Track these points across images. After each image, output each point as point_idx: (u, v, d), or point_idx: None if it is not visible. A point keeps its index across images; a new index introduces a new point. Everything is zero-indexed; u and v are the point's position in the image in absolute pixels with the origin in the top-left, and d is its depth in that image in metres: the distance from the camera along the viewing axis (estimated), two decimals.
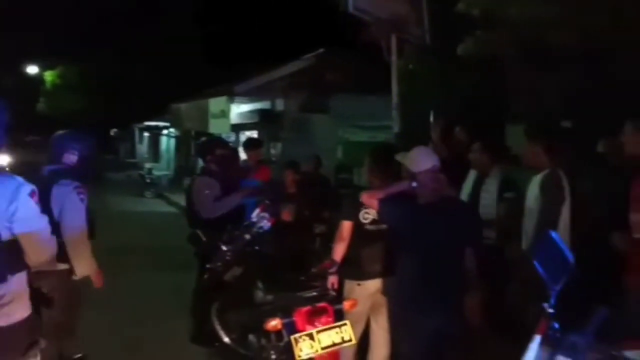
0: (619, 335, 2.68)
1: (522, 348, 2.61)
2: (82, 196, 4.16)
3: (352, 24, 9.28)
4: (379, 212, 4.07)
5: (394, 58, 8.31)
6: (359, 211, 4.37)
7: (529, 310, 3.55)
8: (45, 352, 3.23)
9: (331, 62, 14.43)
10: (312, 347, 3.84)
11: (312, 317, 4.00)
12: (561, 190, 4.35)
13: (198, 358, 5.51)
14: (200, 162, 6.95)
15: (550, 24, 5.68)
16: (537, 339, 2.54)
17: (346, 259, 4.42)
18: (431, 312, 3.74)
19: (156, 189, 21.70)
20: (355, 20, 8.73)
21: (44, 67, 32.57)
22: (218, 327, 5.30)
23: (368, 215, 4.35)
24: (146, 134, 35.30)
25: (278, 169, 6.95)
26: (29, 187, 2.96)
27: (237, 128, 17.05)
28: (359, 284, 4.43)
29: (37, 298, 3.18)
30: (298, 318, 3.98)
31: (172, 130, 26.92)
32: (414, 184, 3.90)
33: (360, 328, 4.48)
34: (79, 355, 4.62)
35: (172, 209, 17.52)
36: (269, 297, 4.49)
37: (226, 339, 5.23)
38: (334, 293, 4.43)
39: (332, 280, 4.49)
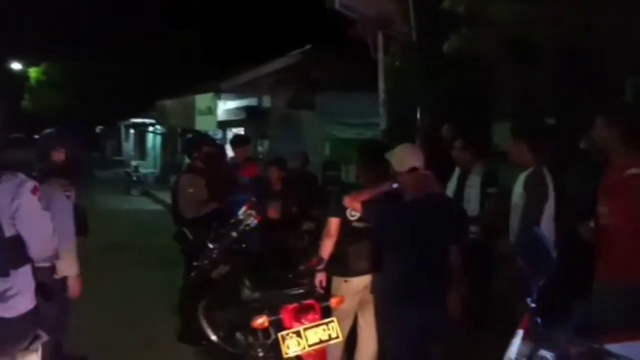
0: (601, 329, 2.73)
1: (506, 343, 2.65)
2: (68, 194, 4.19)
3: (338, 21, 9.30)
4: (363, 215, 4.08)
5: (380, 55, 8.35)
6: (346, 208, 4.38)
7: (515, 305, 3.58)
8: (45, 346, 3.26)
9: (318, 59, 14.40)
10: (299, 344, 3.85)
11: (299, 314, 4.02)
12: (545, 188, 4.40)
13: (185, 356, 5.51)
14: (187, 160, 6.94)
15: (533, 21, 5.72)
16: (519, 333, 2.58)
17: (333, 256, 4.43)
18: (417, 307, 3.77)
19: (142, 186, 21.60)
20: (342, 17, 8.76)
21: (28, 64, 32.27)
22: (205, 325, 5.29)
23: (355, 212, 4.37)
24: (132, 131, 35.10)
25: (265, 166, 6.94)
26: (31, 184, 3.03)
27: (224, 125, 17.00)
28: (346, 281, 4.45)
29: (39, 291, 3.22)
30: (285, 315, 4.00)
31: (158, 127, 26.78)
32: (395, 185, 3.92)
33: (348, 325, 4.50)
34: (81, 355, 4.66)
35: (158, 207, 17.46)
36: (256, 295, 4.49)
37: (213, 337, 5.23)
38: (321, 290, 4.45)
39: (320, 277, 4.51)
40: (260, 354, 4.15)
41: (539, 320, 2.55)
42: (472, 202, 5.21)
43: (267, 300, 4.23)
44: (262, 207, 5.70)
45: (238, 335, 4.58)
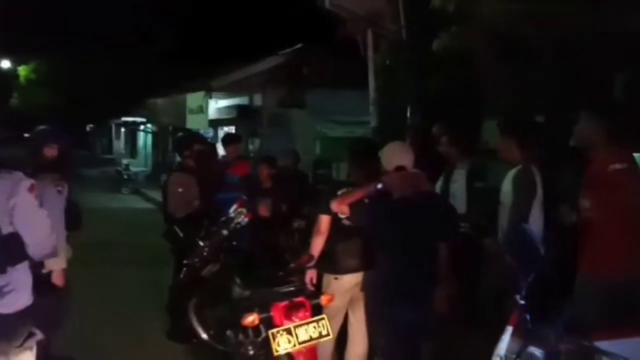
0: (586, 323, 2.75)
1: (496, 339, 2.66)
2: (59, 188, 4.24)
3: (329, 20, 9.30)
4: (351, 217, 4.06)
5: (370, 53, 8.37)
6: None
7: (504, 302, 3.60)
8: (40, 344, 3.28)
9: (309, 58, 14.40)
10: (289, 341, 3.85)
11: (290, 312, 4.01)
12: (533, 185, 4.42)
13: (175, 354, 5.50)
14: (178, 158, 6.93)
15: (522, 19, 5.75)
16: (509, 330, 2.59)
17: (324, 253, 4.43)
18: (406, 305, 3.78)
19: (133, 185, 21.53)
20: (332, 15, 8.76)
21: (17, 62, 32.08)
22: (195, 324, 5.27)
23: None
24: (123, 130, 34.98)
25: (255, 164, 6.93)
26: (28, 182, 3.06)
27: (215, 123, 16.98)
28: (336, 278, 4.45)
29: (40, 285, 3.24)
30: (275, 313, 3.99)
31: (149, 125, 26.72)
32: (379, 185, 3.92)
33: (338, 322, 4.51)
34: (69, 354, 4.66)
35: (149, 205, 17.41)
36: (247, 293, 4.49)
37: (204, 335, 5.21)
38: (312, 288, 4.45)
39: (311, 274, 4.51)
40: (251, 352, 4.15)
41: (528, 317, 2.56)
42: (457, 198, 5.22)
43: (258, 298, 4.22)
44: (252, 205, 5.69)
45: (228, 333, 4.56)
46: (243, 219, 5.27)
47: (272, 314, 4.00)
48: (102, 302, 6.71)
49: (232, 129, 15.69)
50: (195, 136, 7.69)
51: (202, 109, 14.96)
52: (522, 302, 2.56)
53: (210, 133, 17.04)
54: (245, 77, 14.92)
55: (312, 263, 4.43)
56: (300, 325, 3.93)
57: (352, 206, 3.97)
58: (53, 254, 3.35)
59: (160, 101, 18.22)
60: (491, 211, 4.67)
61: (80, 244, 4.69)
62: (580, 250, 3.74)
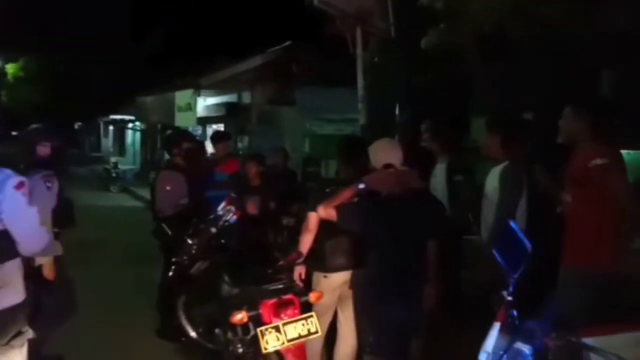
0: (577, 322, 2.77)
1: (484, 335, 2.67)
2: (49, 184, 4.30)
3: (318, 17, 9.29)
4: (339, 220, 4.03)
5: (359, 51, 8.37)
6: None
7: (491, 299, 3.63)
8: (32, 342, 3.28)
9: (297, 55, 14.39)
10: (278, 339, 3.84)
11: (279, 309, 3.99)
12: (519, 182, 4.45)
13: (164, 353, 5.48)
14: (167, 156, 6.90)
15: (509, 16, 5.78)
16: (496, 326, 2.60)
17: (313, 251, 4.42)
18: (395, 302, 3.78)
19: (122, 183, 21.43)
20: (320, 13, 8.76)
21: (5, 60, 31.81)
22: (184, 322, 5.27)
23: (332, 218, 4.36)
24: (111, 128, 34.81)
25: (244, 162, 6.92)
26: (15, 180, 3.06)
27: (204, 121, 16.93)
28: (325, 277, 4.44)
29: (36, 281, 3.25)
30: (264, 310, 3.97)
31: (137, 123, 26.60)
32: (361, 186, 3.92)
33: (327, 320, 4.51)
34: (58, 353, 4.64)
35: (138, 203, 17.34)
36: (235, 291, 4.48)
37: (193, 333, 5.21)
38: (300, 284, 4.45)
39: (300, 270, 4.50)
40: (240, 350, 4.13)
41: (515, 313, 2.57)
42: (438, 191, 5.25)
43: (246, 296, 4.21)
44: (241, 203, 5.67)
45: (217, 331, 4.55)
46: (231, 217, 5.26)
47: (260, 311, 3.98)
48: (91, 301, 6.64)
49: (220, 127, 15.66)
50: (184, 134, 7.66)
51: (191, 107, 14.91)
52: (510, 298, 2.58)
53: (199, 131, 17.00)
54: (234, 74, 14.89)
55: (300, 260, 4.42)
56: (289, 323, 3.91)
57: (338, 210, 3.94)
58: (45, 250, 3.33)
59: (148, 99, 18.14)
60: (471, 205, 4.71)
61: (69, 242, 4.67)
62: (563, 244, 3.78)
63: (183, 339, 5.29)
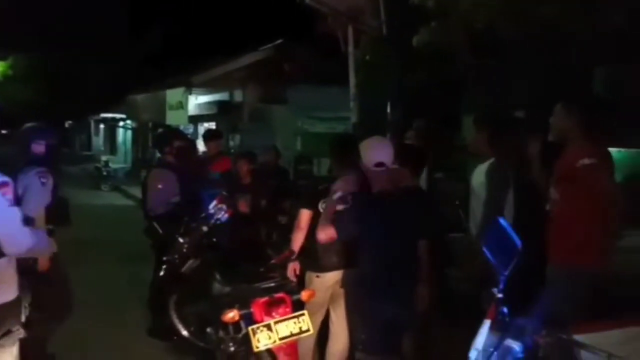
0: (566, 319, 2.78)
1: (474, 333, 2.68)
2: (43, 180, 4.34)
3: (310, 15, 9.30)
4: (340, 236, 4.00)
5: (350, 49, 8.38)
6: (318, 200, 4.37)
7: (481, 296, 3.64)
8: (32, 340, 3.27)
9: (289, 53, 14.39)
10: (269, 337, 3.84)
11: (270, 307, 4.00)
12: (506, 179, 4.47)
13: (156, 351, 5.46)
14: (158, 154, 6.88)
15: (500, 14, 5.80)
16: (486, 323, 2.61)
17: (306, 249, 4.43)
18: (387, 300, 3.79)
19: (113, 182, 21.34)
20: (313, 11, 8.76)
21: None
22: (176, 320, 5.26)
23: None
24: (102, 126, 34.68)
25: (235, 160, 6.92)
26: None
27: (195, 120, 16.89)
28: (318, 276, 4.44)
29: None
30: (256, 309, 3.97)
31: (128, 122, 26.51)
32: (337, 195, 3.91)
33: (319, 318, 4.51)
34: (48, 352, 4.65)
35: (129, 202, 17.27)
36: (227, 289, 4.48)
37: (184, 332, 5.20)
38: (294, 279, 4.44)
39: (294, 266, 4.50)
40: (232, 349, 4.14)
41: (505, 310, 2.58)
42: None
43: (238, 294, 4.21)
44: (232, 201, 5.67)
45: (209, 330, 4.55)
46: (223, 215, 5.26)
47: (252, 310, 3.98)
48: (82, 299, 6.59)
49: (212, 125, 15.64)
50: (175, 132, 7.67)
51: (182, 105, 14.86)
52: (500, 295, 2.58)
53: (190, 129, 16.95)
54: (225, 72, 14.86)
55: (293, 257, 4.43)
56: (280, 321, 3.92)
57: (335, 226, 3.92)
58: (32, 250, 3.30)
59: (139, 97, 18.08)
60: (451, 202, 4.74)
61: (61, 241, 4.66)
62: (550, 241, 3.79)
63: (175, 337, 5.29)
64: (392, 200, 3.87)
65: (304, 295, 4.20)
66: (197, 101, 16.73)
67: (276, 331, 3.87)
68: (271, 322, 3.89)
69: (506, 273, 2.58)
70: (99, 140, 36.55)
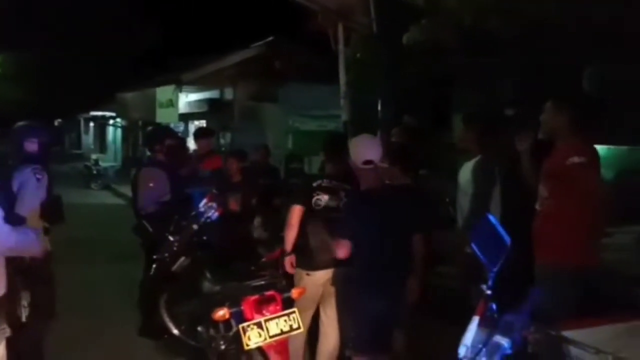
0: (556, 316, 2.79)
1: (463, 329, 2.68)
2: (38, 176, 4.40)
3: (300, 13, 9.28)
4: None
5: (341, 47, 8.37)
6: (310, 197, 4.37)
7: (471, 292, 3.66)
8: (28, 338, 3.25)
9: (280, 51, 14.37)
10: (260, 335, 3.83)
11: (260, 305, 3.99)
12: (492, 176, 4.50)
13: (146, 350, 5.45)
14: (148, 153, 6.86)
15: (490, 11, 5.81)
16: (475, 320, 2.61)
17: (297, 247, 4.43)
18: (377, 297, 3.80)
19: (103, 180, 21.27)
20: (303, 8, 8.75)
21: None
22: (167, 319, 5.24)
23: (320, 201, 4.36)
24: (92, 125, 34.50)
25: (225, 159, 6.91)
26: None
27: (185, 118, 16.83)
28: (308, 274, 4.44)
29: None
30: (246, 307, 3.97)
31: (118, 120, 26.40)
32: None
33: (309, 316, 4.51)
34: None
35: (119, 201, 17.21)
36: (217, 287, 4.47)
37: (175, 331, 5.18)
38: (292, 272, 4.44)
39: (290, 259, 4.50)
40: (222, 347, 4.14)
41: (494, 306, 2.58)
42: None
43: (228, 293, 4.21)
44: (223, 200, 5.66)
45: (200, 328, 4.55)
46: (213, 214, 5.25)
47: (242, 307, 3.98)
48: (72, 298, 6.60)
49: (203, 123, 15.59)
50: (166, 130, 7.64)
51: (172, 103, 14.77)
52: (489, 292, 2.59)
53: (180, 127, 16.90)
54: (216, 70, 14.81)
55: (288, 254, 4.44)
56: (271, 319, 3.91)
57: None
58: (15, 249, 3.28)
59: (129, 95, 17.99)
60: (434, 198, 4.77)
61: (51, 240, 4.65)
62: (537, 239, 3.81)
63: (165, 336, 5.27)
64: (380, 198, 3.88)
65: (294, 293, 4.20)
66: (187, 99, 16.66)
67: (267, 329, 3.86)
68: (262, 320, 3.89)
69: (495, 270, 2.59)
70: (88, 139, 36.35)
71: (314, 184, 4.44)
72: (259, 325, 3.86)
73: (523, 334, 2.50)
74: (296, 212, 4.41)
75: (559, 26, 5.71)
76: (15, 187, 4.33)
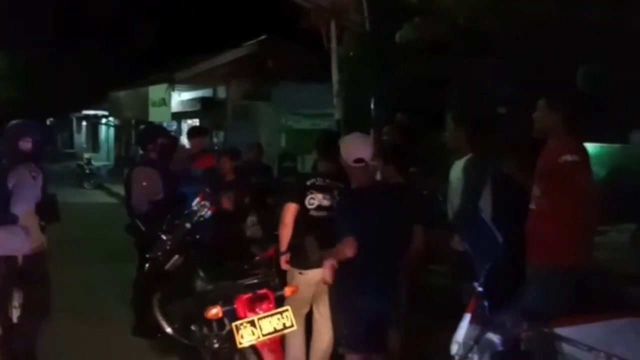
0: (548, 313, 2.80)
1: (455, 326, 2.69)
2: (34, 174, 4.45)
3: (293, 11, 9.27)
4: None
5: (333, 45, 8.36)
6: (304, 196, 4.37)
7: (462, 290, 3.66)
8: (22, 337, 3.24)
9: (273, 49, 14.33)
10: (253, 334, 3.83)
11: (253, 304, 3.99)
12: (482, 175, 4.51)
13: (140, 349, 5.44)
14: (140, 152, 6.83)
15: (485, 10, 5.82)
16: (467, 317, 2.62)
17: (290, 245, 4.43)
18: (370, 295, 3.80)
19: (96, 179, 21.19)
20: (296, 6, 8.73)
21: None
22: (160, 318, 5.23)
23: (314, 200, 4.36)
24: (84, 124, 34.37)
25: (218, 158, 6.89)
26: None
27: (178, 116, 16.77)
28: (301, 273, 4.45)
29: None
30: (239, 305, 3.96)
31: (111, 119, 26.29)
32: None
33: (303, 314, 4.51)
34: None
35: (112, 200, 17.15)
36: (210, 286, 4.46)
37: (168, 330, 5.17)
38: (288, 267, 4.43)
39: (285, 258, 4.49)
40: (216, 345, 4.13)
41: (486, 304, 2.59)
42: None
43: (221, 291, 4.21)
44: (216, 198, 5.65)
45: (193, 327, 4.54)
46: (206, 212, 5.25)
47: (235, 306, 3.97)
48: (65, 297, 6.57)
49: (196, 122, 15.53)
50: (159, 129, 7.60)
51: (165, 102, 14.71)
52: (481, 289, 2.60)
53: (173, 126, 16.84)
54: (208, 69, 14.76)
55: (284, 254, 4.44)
56: (264, 317, 3.91)
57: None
58: (4, 250, 3.27)
59: (122, 94, 17.89)
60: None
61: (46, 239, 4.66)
62: (530, 238, 3.81)
63: (159, 335, 5.25)
64: (372, 196, 3.88)
65: (287, 291, 4.20)
66: (180, 98, 16.60)
67: (260, 327, 3.86)
68: (255, 318, 3.88)
69: (487, 267, 2.59)
70: (81, 138, 36.21)
71: (308, 183, 4.44)
72: (252, 323, 3.85)
73: (516, 331, 2.51)
74: (290, 211, 4.40)
75: (554, 26, 5.72)
76: (10, 186, 4.33)
